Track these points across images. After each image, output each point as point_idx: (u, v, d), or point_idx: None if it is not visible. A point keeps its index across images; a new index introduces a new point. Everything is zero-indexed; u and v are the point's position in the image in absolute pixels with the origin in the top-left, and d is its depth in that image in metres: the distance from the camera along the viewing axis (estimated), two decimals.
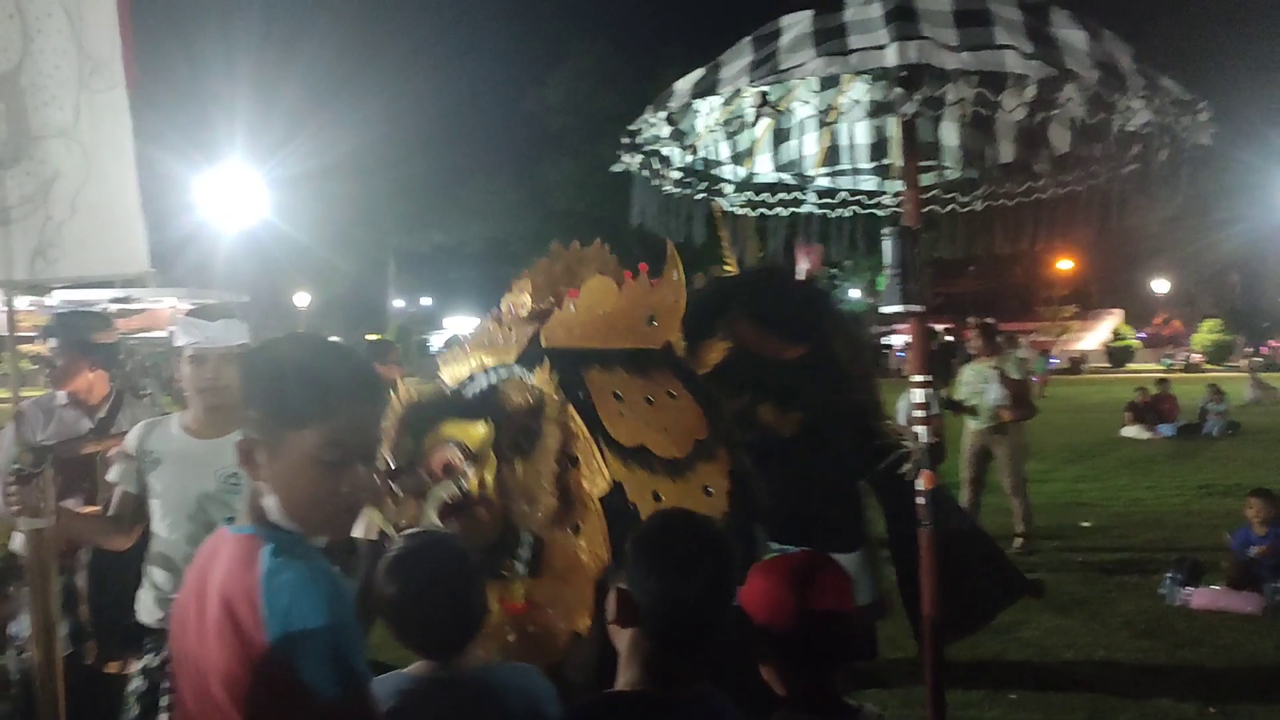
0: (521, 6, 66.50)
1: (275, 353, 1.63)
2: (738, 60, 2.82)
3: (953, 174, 3.83)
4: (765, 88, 2.94)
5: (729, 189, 3.81)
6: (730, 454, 3.31)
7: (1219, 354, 43.09)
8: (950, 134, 3.70)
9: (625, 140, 3.31)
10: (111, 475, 3.15)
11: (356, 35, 39.05)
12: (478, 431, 3.01)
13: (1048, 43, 2.63)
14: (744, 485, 3.23)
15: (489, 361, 3.21)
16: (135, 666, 3.09)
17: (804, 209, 3.92)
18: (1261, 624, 6.06)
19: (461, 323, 56.55)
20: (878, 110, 3.54)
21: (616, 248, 3.92)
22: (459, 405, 3.11)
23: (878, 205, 4.00)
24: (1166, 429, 16.86)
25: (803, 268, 4.64)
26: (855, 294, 53.38)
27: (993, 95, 2.97)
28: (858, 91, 3.45)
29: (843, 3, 2.76)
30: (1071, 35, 2.67)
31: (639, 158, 3.40)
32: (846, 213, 3.98)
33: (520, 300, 3.43)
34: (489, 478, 2.98)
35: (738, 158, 3.71)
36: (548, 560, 2.99)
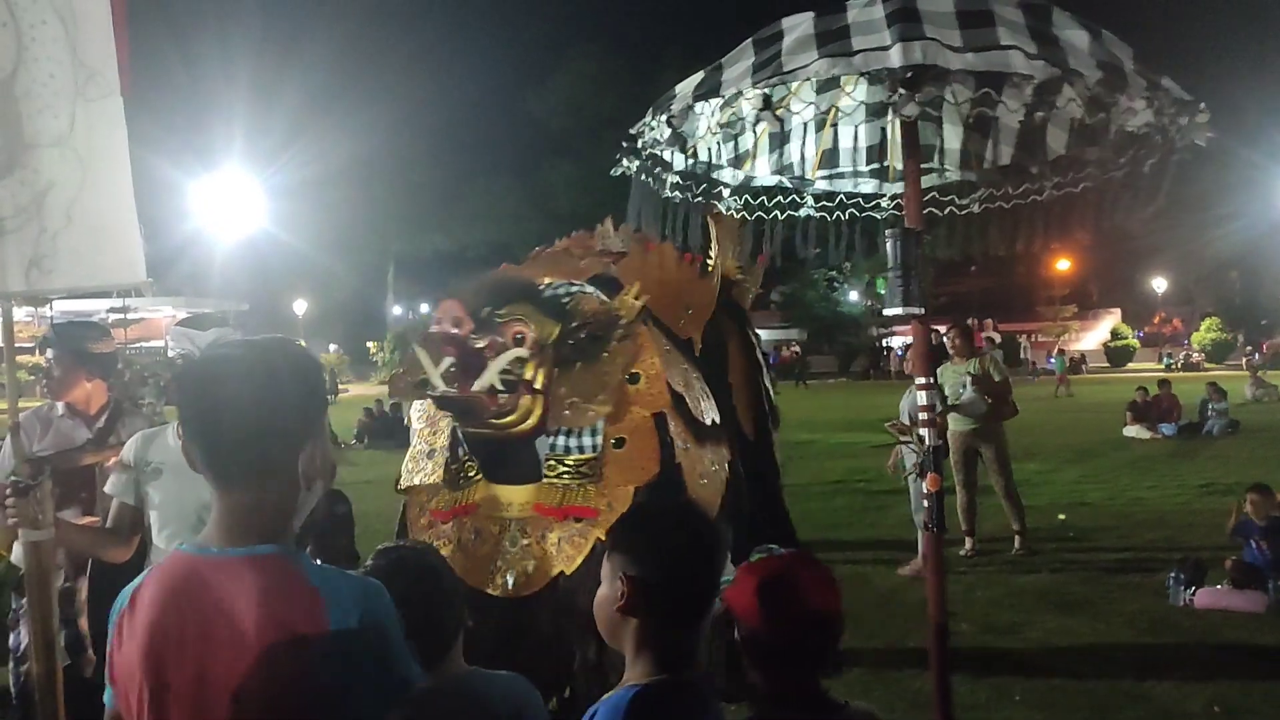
0: (520, 10, 66.55)
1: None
2: (740, 62, 2.82)
3: (951, 176, 3.84)
4: (767, 89, 2.94)
5: (727, 192, 3.81)
6: (732, 447, 3.81)
7: (1219, 352, 43.09)
8: (950, 136, 3.72)
9: (625, 143, 3.31)
10: (109, 487, 3.13)
11: (355, 41, 39.13)
12: (549, 326, 3.38)
13: (1051, 43, 2.63)
14: (738, 477, 3.67)
15: (556, 278, 3.59)
16: None
17: (802, 212, 3.92)
18: (1265, 622, 6.05)
19: None
20: (877, 112, 3.53)
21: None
22: (539, 297, 3.48)
23: (876, 208, 3.99)
24: (1167, 428, 16.85)
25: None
26: (854, 296, 53.41)
27: (995, 96, 2.95)
28: (857, 94, 3.45)
29: (845, 5, 2.76)
30: (1074, 36, 2.67)
31: (638, 161, 3.41)
32: (845, 215, 3.98)
33: (594, 240, 3.65)
34: (542, 373, 3.32)
35: (736, 161, 3.72)
36: (600, 466, 3.36)
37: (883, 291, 55.15)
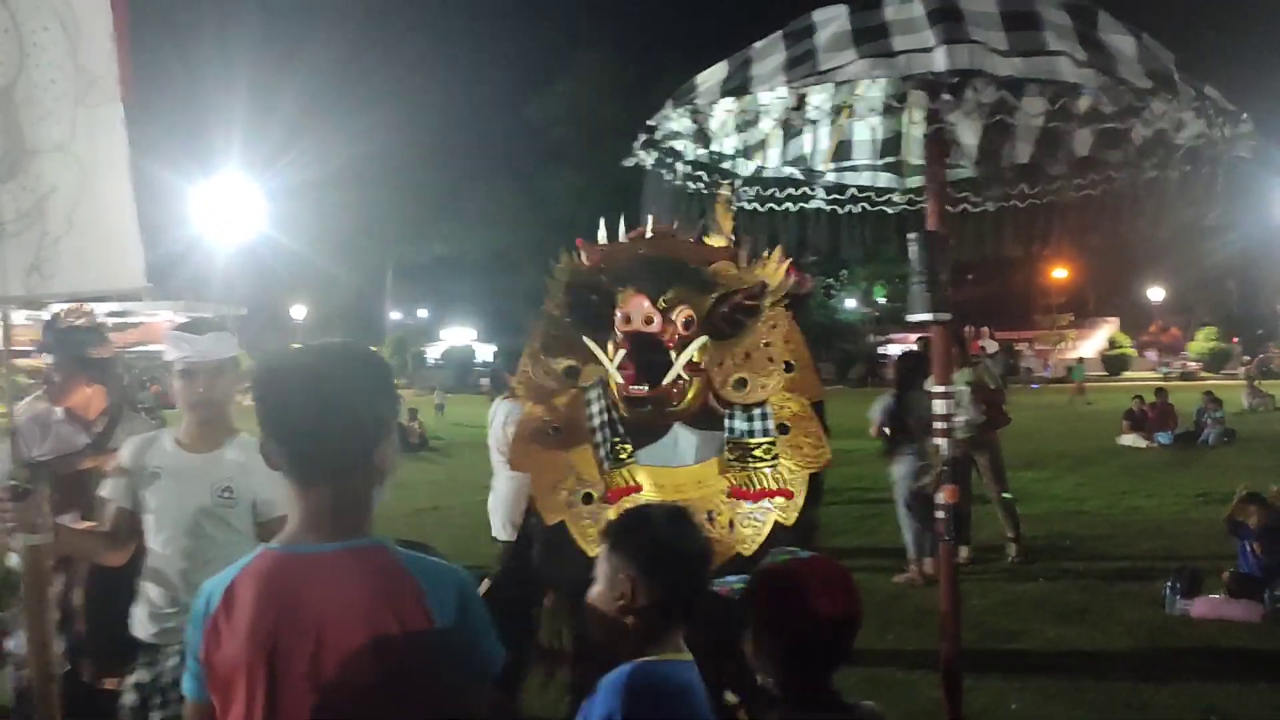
0: (522, 17, 66.65)
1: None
2: (770, 57, 2.72)
3: (965, 173, 3.75)
4: (804, 89, 2.82)
5: (738, 183, 3.76)
6: None
7: (1216, 361, 43.14)
8: (967, 132, 3.60)
9: (643, 135, 3.27)
10: (106, 491, 3.14)
11: (354, 46, 39.25)
12: (705, 302, 3.23)
13: (1097, 48, 2.54)
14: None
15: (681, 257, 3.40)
16: (129, 681, 3.07)
17: (812, 205, 3.83)
18: (1262, 632, 6.06)
19: (459, 334, 56.68)
20: (893, 106, 3.47)
21: None
22: (689, 273, 3.30)
23: (887, 202, 3.91)
24: (1164, 437, 16.87)
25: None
26: (851, 304, 53.45)
27: (1007, 99, 2.83)
28: (875, 87, 3.36)
29: (880, 0, 2.65)
30: (1120, 41, 2.58)
31: (655, 153, 3.37)
32: (856, 209, 3.89)
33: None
34: (701, 351, 3.19)
35: (747, 151, 3.64)
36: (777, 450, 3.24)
37: (881, 299, 55.30)
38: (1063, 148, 3.34)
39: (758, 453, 3.21)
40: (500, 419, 6.01)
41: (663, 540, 2.03)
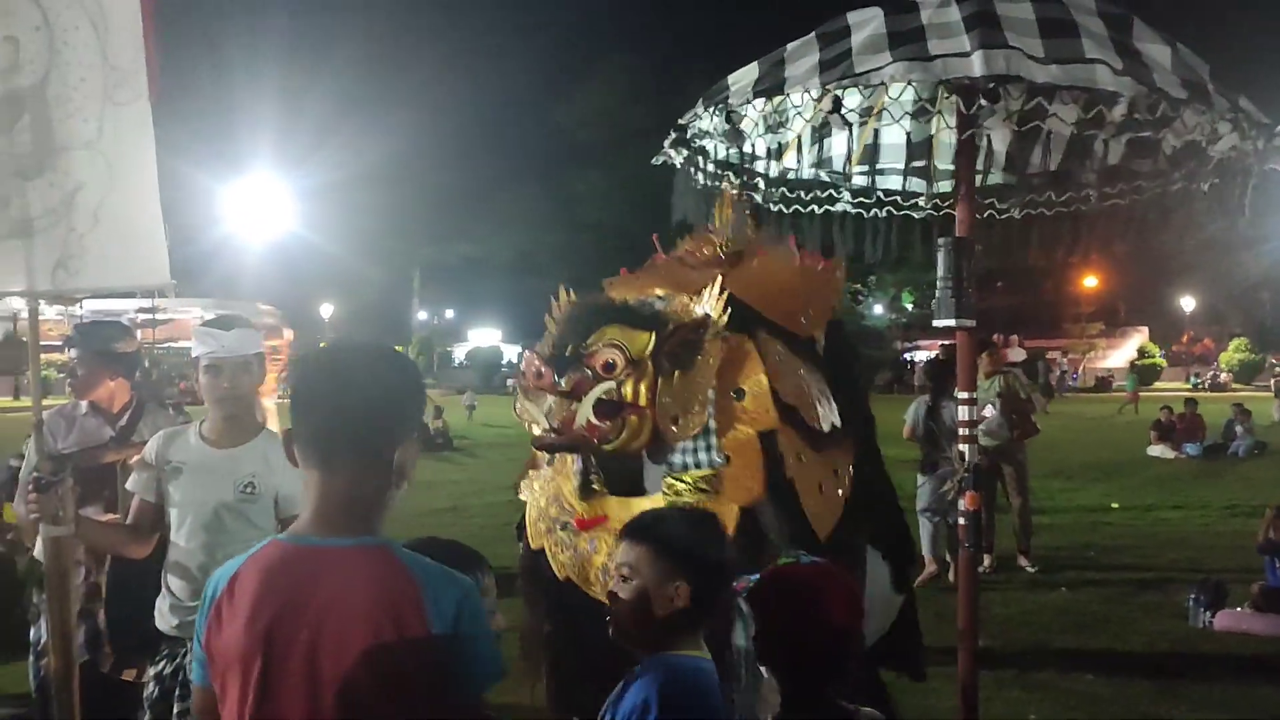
0: (550, 19, 66.88)
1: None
2: (805, 59, 2.71)
3: (993, 179, 3.74)
4: (839, 91, 2.80)
5: (764, 184, 3.75)
6: (856, 447, 3.57)
7: (1247, 373, 42.60)
8: (995, 139, 3.59)
9: (674, 134, 3.27)
10: (131, 484, 3.18)
11: (383, 47, 39.52)
12: (641, 339, 3.16)
13: (1134, 57, 2.53)
14: (864, 479, 3.43)
15: (661, 291, 3.39)
16: (150, 673, 3.11)
17: (838, 208, 3.82)
18: None
19: (485, 335, 56.93)
20: (922, 110, 3.45)
21: (641, 261, 3.94)
22: (626, 313, 3.28)
23: (913, 207, 3.90)
24: (1192, 448, 16.68)
25: None
26: (879, 310, 53.20)
27: (1037, 106, 2.82)
28: (907, 90, 3.36)
29: (917, 4, 2.64)
30: (1156, 50, 2.57)
31: (684, 152, 3.37)
32: (881, 213, 3.88)
33: (705, 246, 3.59)
34: (644, 387, 3.13)
35: (775, 152, 3.65)
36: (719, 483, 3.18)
37: (908, 305, 55.03)
38: (1093, 156, 3.33)
39: (687, 484, 3.16)
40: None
41: (708, 545, 2.11)
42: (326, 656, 1.58)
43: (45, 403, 3.02)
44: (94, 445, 3.65)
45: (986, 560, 7.84)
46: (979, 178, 3.71)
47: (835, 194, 3.83)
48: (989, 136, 3.54)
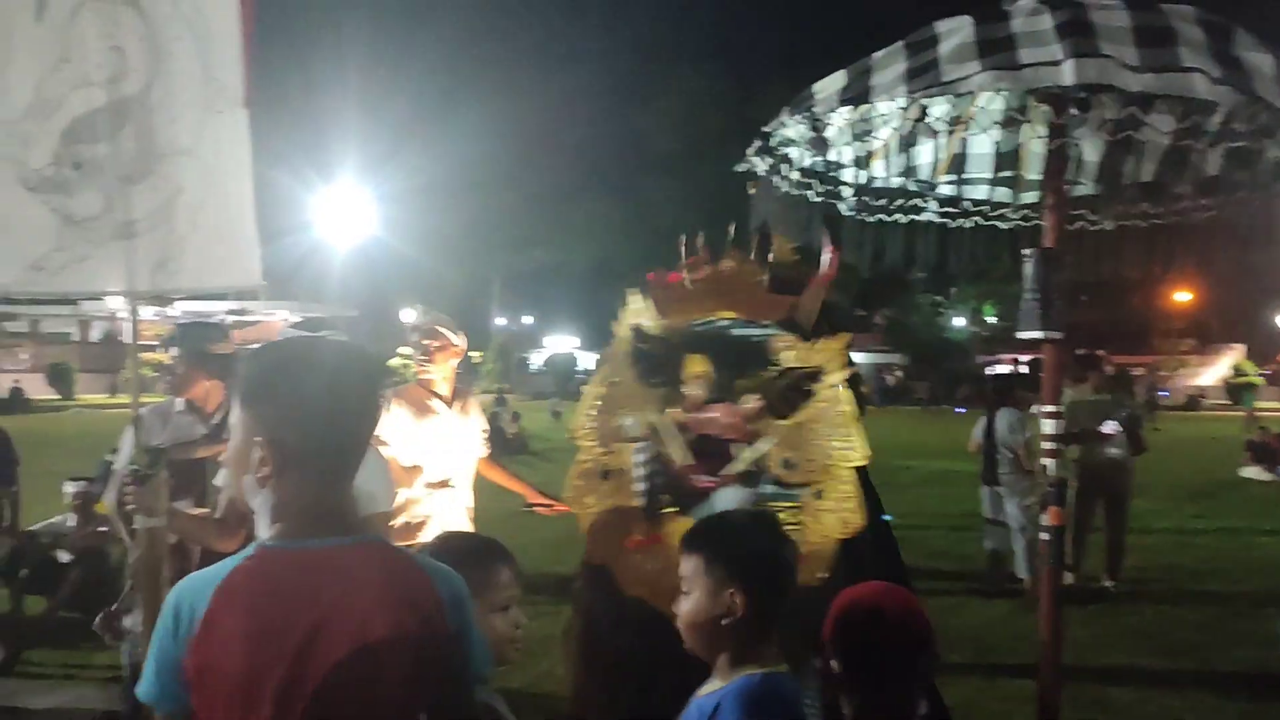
0: (628, 26, 67.28)
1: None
2: (892, 67, 2.67)
3: (1084, 190, 3.64)
4: (926, 100, 2.77)
5: (848, 192, 3.72)
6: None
7: None
8: (1087, 148, 3.49)
9: (757, 141, 3.26)
10: (220, 479, 3.28)
11: (464, 53, 40.13)
12: (758, 379, 3.25)
13: (1234, 66, 2.45)
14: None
15: (729, 315, 3.44)
16: None
17: (924, 217, 3.75)
18: None
19: (561, 341, 57.35)
20: (1012, 119, 3.33)
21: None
22: (749, 349, 3.34)
23: (1000, 217, 3.82)
24: None
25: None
26: (960, 322, 52.32)
27: (1133, 116, 2.73)
28: (996, 99, 3.26)
29: (1008, 12, 2.59)
30: (1259, 59, 2.48)
31: (768, 160, 3.36)
32: (968, 223, 3.80)
33: (752, 268, 3.60)
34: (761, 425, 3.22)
35: (860, 161, 3.55)
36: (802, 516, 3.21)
37: (990, 318, 54.06)
38: (1189, 167, 3.21)
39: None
40: None
41: (762, 550, 2.07)
42: (349, 652, 1.53)
43: (141, 400, 3.14)
44: (187, 441, 3.78)
45: (1071, 577, 7.69)
46: (1070, 189, 3.62)
47: (921, 204, 3.76)
48: (1080, 146, 3.45)
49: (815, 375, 3.26)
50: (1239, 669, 5.92)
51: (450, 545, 2.22)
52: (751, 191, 3.47)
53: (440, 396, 4.60)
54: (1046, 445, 2.96)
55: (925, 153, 3.52)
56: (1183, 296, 50.22)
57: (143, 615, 3.11)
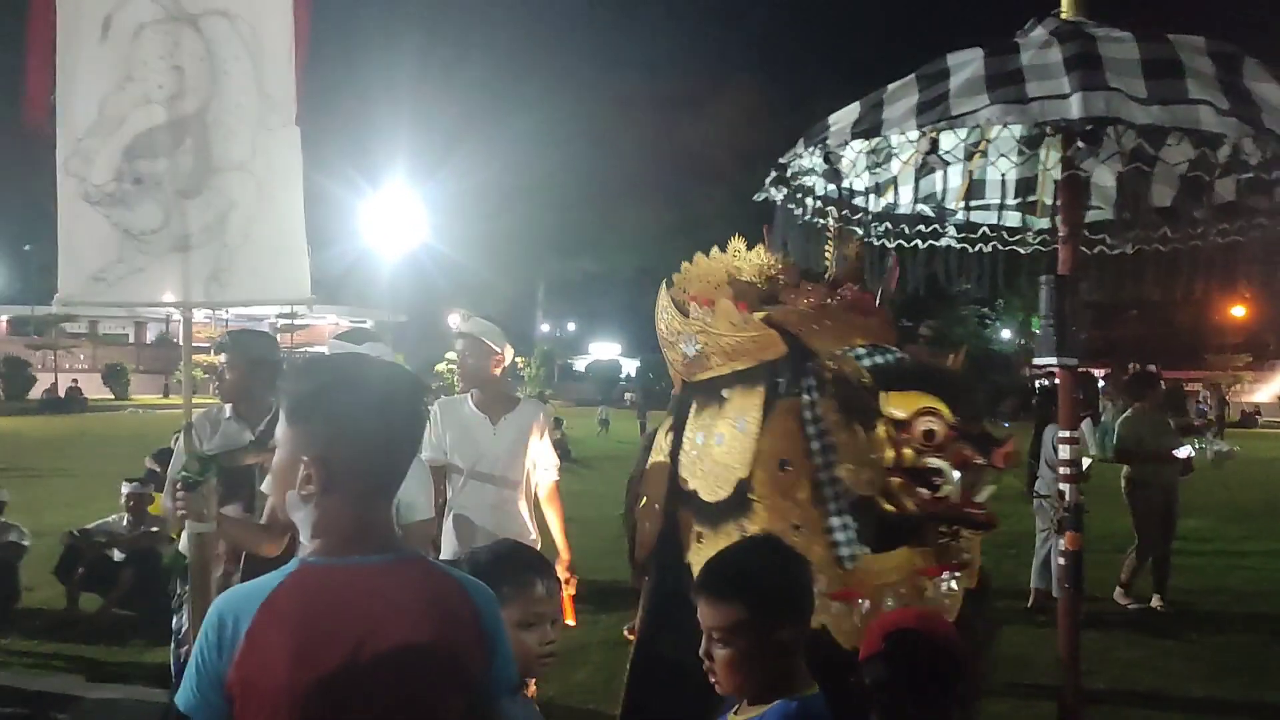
0: (679, 38, 67.46)
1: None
2: (903, 100, 2.71)
3: (1103, 214, 3.68)
4: (934, 134, 2.80)
5: (868, 219, 3.76)
6: None
7: None
8: (1104, 174, 3.53)
9: (775, 172, 3.31)
10: (266, 486, 3.37)
11: (512, 63, 40.56)
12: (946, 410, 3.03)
13: (1242, 97, 2.47)
14: None
15: (862, 340, 3.25)
16: None
17: (943, 242, 3.80)
18: None
19: (605, 349, 57.56)
20: (1029, 145, 3.38)
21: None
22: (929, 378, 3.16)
23: (1020, 242, 3.86)
24: None
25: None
26: (1006, 334, 51.72)
27: (1149, 145, 2.73)
28: (1010, 128, 3.33)
29: (1018, 45, 2.63)
30: (1267, 90, 2.50)
31: (785, 189, 3.39)
32: (987, 248, 3.84)
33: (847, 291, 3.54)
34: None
35: (878, 189, 3.65)
36: None
37: (1038, 330, 53.18)
38: (1206, 193, 3.24)
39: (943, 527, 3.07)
40: None
41: (781, 581, 2.03)
42: (390, 669, 1.57)
43: (194, 402, 3.23)
44: (235, 448, 3.88)
45: (1124, 599, 7.66)
46: (1090, 213, 3.64)
47: (940, 229, 3.80)
48: (1098, 172, 3.48)
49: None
50: None
51: (490, 552, 2.26)
52: (766, 234, 3.49)
53: (479, 406, 4.53)
54: (1063, 470, 2.96)
55: (942, 180, 3.55)
56: (1238, 311, 49.21)
57: (190, 616, 3.21)
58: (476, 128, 38.24)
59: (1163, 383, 8.78)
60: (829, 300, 3.47)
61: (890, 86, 2.78)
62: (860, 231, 3.72)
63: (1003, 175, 3.68)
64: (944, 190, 3.69)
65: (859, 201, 3.69)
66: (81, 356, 45.35)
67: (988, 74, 2.57)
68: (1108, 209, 3.66)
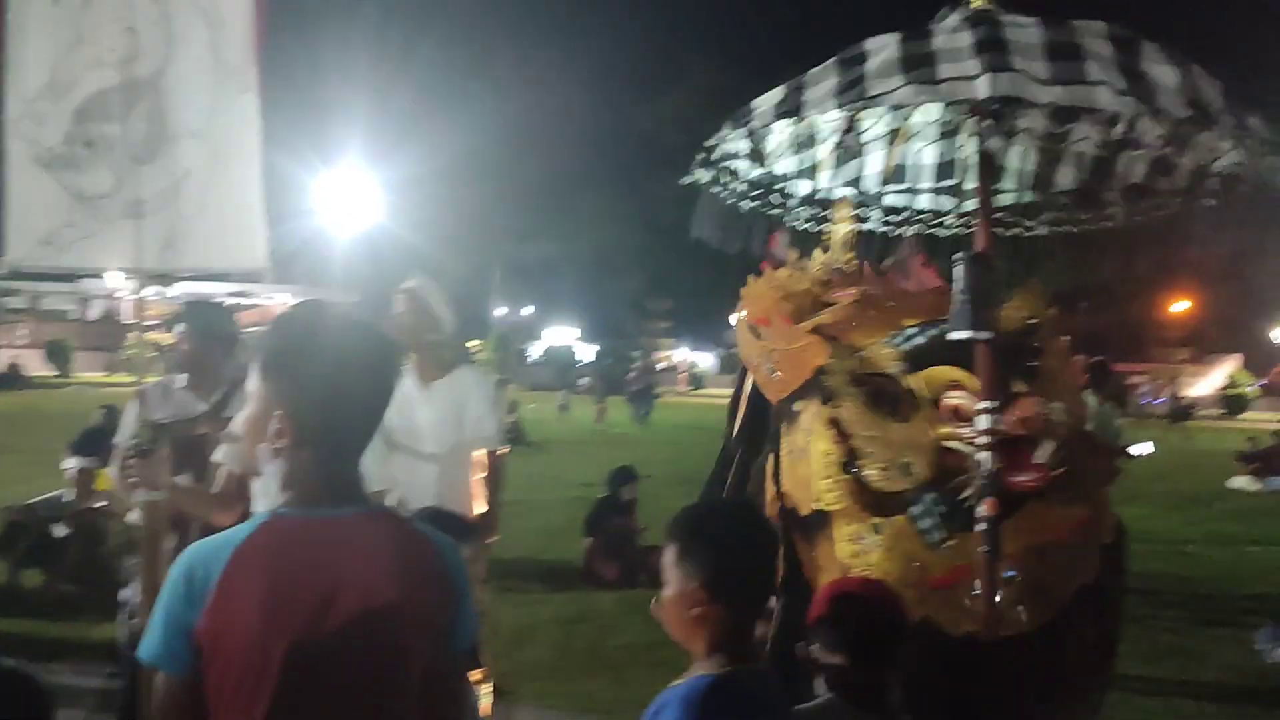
0: (637, 25, 67.26)
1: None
2: (823, 82, 2.80)
3: (1019, 198, 3.78)
4: (851, 112, 2.93)
5: (793, 203, 3.82)
6: None
7: None
8: (1019, 158, 3.65)
9: (701, 155, 3.36)
10: (220, 455, 3.35)
11: (471, 42, 40.14)
12: (968, 377, 3.09)
13: (1139, 79, 2.59)
14: None
15: (913, 320, 3.36)
16: None
17: (867, 226, 3.88)
18: None
19: (561, 333, 57.42)
20: (948, 130, 3.50)
21: (721, 266, 4.02)
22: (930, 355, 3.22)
23: (941, 225, 3.95)
24: (1278, 481, 16.13)
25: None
26: None
27: (1058, 127, 2.97)
28: (929, 112, 3.41)
29: (932, 31, 2.75)
30: (1162, 72, 2.62)
31: (711, 172, 3.44)
32: (909, 231, 3.93)
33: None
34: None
35: (805, 173, 3.71)
36: None
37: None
38: (1114, 175, 3.41)
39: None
40: None
41: (725, 538, 1.97)
42: (360, 616, 1.59)
43: (139, 379, 3.21)
44: (188, 417, 3.84)
45: None
46: (1007, 196, 3.76)
47: (865, 212, 3.88)
48: (1014, 156, 3.60)
49: (1031, 333, 3.25)
50: (1220, 673, 6.01)
51: (432, 520, 2.32)
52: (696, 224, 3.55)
53: (413, 371, 4.35)
54: (982, 440, 2.99)
55: (869, 164, 3.64)
56: (1181, 305, 50.27)
57: (141, 587, 3.19)
58: (434, 107, 37.87)
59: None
60: (872, 289, 3.52)
61: (812, 70, 2.87)
62: (788, 217, 3.78)
63: (924, 159, 3.77)
64: (868, 174, 3.77)
65: (786, 186, 3.74)
66: (22, 332, 44.33)
67: (902, 56, 2.68)
68: (1024, 193, 3.77)
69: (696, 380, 49.39)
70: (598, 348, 50.91)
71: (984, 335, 2.99)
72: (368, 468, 1.75)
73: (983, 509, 2.94)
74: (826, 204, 3.85)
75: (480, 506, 4.43)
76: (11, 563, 6.97)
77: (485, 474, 4.52)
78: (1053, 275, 3.83)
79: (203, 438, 3.70)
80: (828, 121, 3.04)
